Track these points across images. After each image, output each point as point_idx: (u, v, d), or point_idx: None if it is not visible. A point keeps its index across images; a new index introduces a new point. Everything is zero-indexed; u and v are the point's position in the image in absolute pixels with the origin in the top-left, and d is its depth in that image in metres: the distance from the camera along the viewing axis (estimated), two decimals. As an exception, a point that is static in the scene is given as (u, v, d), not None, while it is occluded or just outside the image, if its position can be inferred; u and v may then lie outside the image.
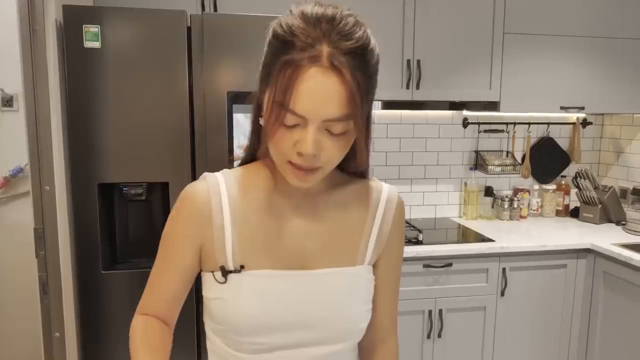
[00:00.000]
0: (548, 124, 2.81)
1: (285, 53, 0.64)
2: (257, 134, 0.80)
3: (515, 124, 2.75)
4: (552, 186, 2.83)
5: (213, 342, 0.81)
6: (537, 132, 2.84)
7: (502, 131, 2.76)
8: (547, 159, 2.83)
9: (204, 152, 1.77)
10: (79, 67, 1.64)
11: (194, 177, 1.77)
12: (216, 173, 0.81)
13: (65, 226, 1.73)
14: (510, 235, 2.38)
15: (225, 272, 0.75)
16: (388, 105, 2.49)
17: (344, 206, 0.82)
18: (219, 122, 1.76)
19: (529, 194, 2.80)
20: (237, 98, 1.76)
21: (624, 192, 2.71)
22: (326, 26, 0.64)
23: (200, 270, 0.81)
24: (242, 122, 1.78)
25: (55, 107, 1.65)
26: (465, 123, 2.71)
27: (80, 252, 1.73)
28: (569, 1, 2.41)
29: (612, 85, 2.52)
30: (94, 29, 1.62)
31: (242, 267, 0.75)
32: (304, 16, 0.65)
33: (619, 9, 2.46)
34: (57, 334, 1.77)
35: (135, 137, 1.70)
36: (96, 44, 1.63)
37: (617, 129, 2.84)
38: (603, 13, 2.45)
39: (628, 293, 2.12)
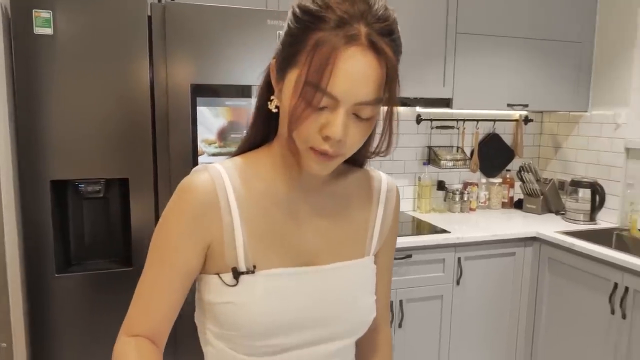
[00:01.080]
0: (494, 120, 2.96)
1: (317, 29, 0.61)
2: (264, 119, 0.75)
3: (464, 120, 2.88)
4: (498, 180, 2.98)
5: (215, 346, 0.75)
6: (484, 129, 2.98)
7: (452, 127, 2.87)
8: (493, 154, 2.98)
9: (165, 147, 1.70)
10: (28, 55, 1.52)
11: (156, 173, 1.70)
12: (214, 164, 0.74)
13: (13, 227, 1.61)
14: (461, 227, 2.48)
15: (237, 274, 0.70)
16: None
17: (347, 197, 0.80)
18: (181, 116, 1.70)
19: (478, 187, 2.93)
20: (201, 91, 1.71)
21: (562, 184, 2.90)
22: (363, 6, 0.61)
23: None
24: (206, 115, 1.73)
25: (1, 98, 1.53)
26: (419, 119, 2.80)
27: (30, 254, 1.60)
28: (516, 5, 2.54)
29: (552, 85, 2.69)
30: (45, 14, 1.51)
31: (254, 267, 0.70)
32: None
33: (559, 13, 2.63)
34: (4, 345, 1.64)
35: (92, 131, 1.61)
36: (48, 31, 1.52)
37: (555, 126, 3.04)
38: (546, 17, 2.61)
39: (571, 276, 2.28)
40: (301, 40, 0.62)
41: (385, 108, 0.67)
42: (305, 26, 0.62)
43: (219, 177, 0.71)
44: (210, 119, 1.74)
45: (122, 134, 1.64)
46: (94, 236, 1.73)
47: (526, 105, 2.65)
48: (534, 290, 2.47)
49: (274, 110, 0.72)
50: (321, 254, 0.75)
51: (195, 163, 1.73)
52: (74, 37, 1.55)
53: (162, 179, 1.71)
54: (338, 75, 0.60)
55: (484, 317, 2.44)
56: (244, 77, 1.74)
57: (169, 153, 1.70)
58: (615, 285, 2.04)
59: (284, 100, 0.67)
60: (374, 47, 0.61)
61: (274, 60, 0.70)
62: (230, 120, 1.76)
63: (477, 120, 2.91)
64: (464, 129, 2.90)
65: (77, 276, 1.67)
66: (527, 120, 3.03)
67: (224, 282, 0.70)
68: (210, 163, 0.75)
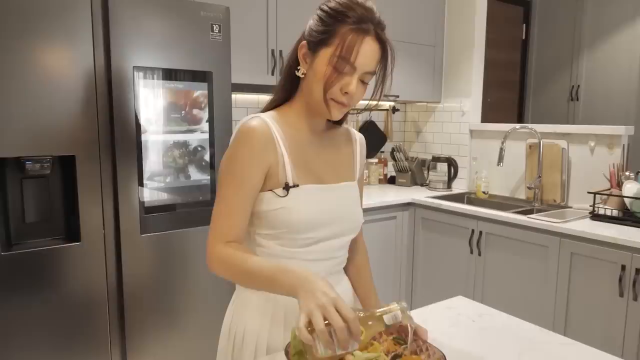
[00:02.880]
0: (370, 110, 3.49)
1: (344, 22, 0.95)
2: (290, 83, 1.06)
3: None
4: (375, 160, 3.53)
5: (265, 245, 1.04)
6: (362, 117, 3.50)
7: (338, 115, 3.32)
8: (370, 138, 3.51)
9: (109, 126, 1.79)
10: (-34, 30, 1.50)
11: (100, 150, 1.78)
12: (258, 114, 1.03)
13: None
14: (354, 198, 2.94)
15: (287, 187, 1.00)
16: (249, 89, 2.77)
17: (338, 141, 1.15)
18: (124, 96, 1.80)
19: (360, 167, 3.43)
20: (142, 73, 1.83)
21: (423, 162, 3.56)
22: (371, 12, 0.97)
23: None
24: (147, 96, 1.85)
25: None
26: (311, 108, 3.18)
27: (-30, 235, 1.57)
28: (388, 14, 3.07)
29: (415, 80, 3.31)
30: (-14, -9, 1.51)
31: (297, 183, 1.01)
32: (361, 4, 0.96)
33: (420, 21, 3.26)
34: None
35: (34, 108, 1.63)
36: (-11, 8, 1.52)
37: (416, 114, 3.70)
38: (410, 24, 3.20)
39: (439, 229, 2.89)
40: (332, 29, 0.96)
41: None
42: (335, 19, 0.96)
43: (268, 122, 1.01)
44: (151, 100, 1.87)
45: (65, 113, 1.69)
46: (34, 214, 1.74)
47: (397, 96, 3.22)
48: (411, 243, 3.05)
49: (301, 76, 1.02)
50: (330, 176, 1.09)
51: (139, 142, 1.85)
52: (15, 14, 1.57)
53: (105, 156, 1.79)
54: (360, 53, 0.96)
55: (377, 269, 2.91)
56: (182, 61, 1.92)
57: (112, 131, 1.80)
58: (472, 231, 2.68)
59: (315, 68, 0.99)
60: (378, 38, 0.98)
61: (305, 41, 1.01)
62: (170, 101, 1.92)
63: (357, 109, 3.41)
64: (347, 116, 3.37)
65: (26, 253, 1.67)
66: (394, 109, 3.63)
67: (277, 195, 1.01)
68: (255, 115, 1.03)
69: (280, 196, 1.00)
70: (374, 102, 1.07)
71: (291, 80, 1.06)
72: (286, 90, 1.08)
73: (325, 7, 0.98)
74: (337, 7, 0.97)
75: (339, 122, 1.17)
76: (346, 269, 1.24)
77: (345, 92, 0.97)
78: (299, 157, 1.04)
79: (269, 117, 1.03)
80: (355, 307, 0.92)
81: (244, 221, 1.00)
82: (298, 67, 1.03)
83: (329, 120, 1.11)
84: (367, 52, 0.95)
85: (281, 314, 1.05)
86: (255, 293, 1.06)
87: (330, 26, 0.96)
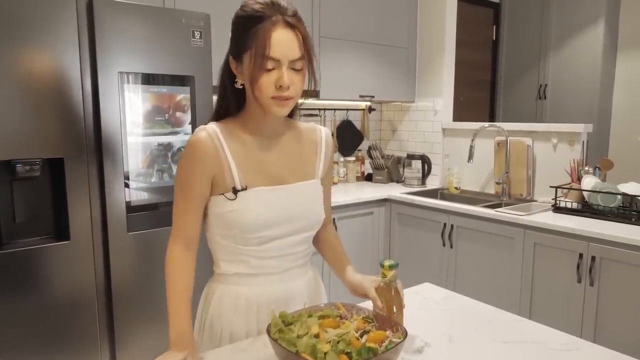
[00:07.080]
0: (347, 110, 3.62)
1: (252, 24, 1.00)
2: (232, 96, 1.12)
3: (325, 109, 3.47)
4: (352, 158, 3.65)
5: (223, 243, 1.13)
6: (339, 117, 3.62)
7: (316, 115, 3.43)
8: (347, 137, 3.64)
9: (96, 129, 1.87)
10: (-43, 39, 1.56)
11: (87, 153, 1.86)
12: (208, 124, 1.10)
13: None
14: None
15: (236, 191, 1.08)
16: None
17: (300, 140, 1.20)
18: (110, 100, 1.88)
19: (338, 165, 3.56)
20: (127, 77, 1.92)
21: (398, 159, 3.70)
22: (278, 7, 1.01)
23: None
24: (132, 100, 1.94)
25: None
26: (290, 108, 3.29)
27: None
28: (362, 17, 3.21)
29: (389, 81, 3.45)
30: (-25, 1, 1.58)
31: (246, 186, 1.08)
32: (260, 2, 1.02)
33: (393, 24, 3.39)
34: None
35: (23, 113, 1.70)
36: (-22, 17, 1.59)
37: (391, 113, 3.84)
38: (384, 27, 3.34)
39: (413, 224, 3.03)
40: (245, 34, 1.02)
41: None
42: (244, 25, 1.02)
43: (214, 131, 1.08)
44: (136, 103, 1.96)
45: (53, 117, 1.76)
46: (25, 215, 1.80)
47: (373, 96, 3.35)
48: (387, 237, 3.19)
49: (240, 87, 1.09)
50: (287, 177, 1.15)
51: (125, 143, 1.93)
52: (5, 21, 1.64)
53: (92, 158, 1.87)
54: (274, 44, 0.99)
55: (355, 261, 3.05)
56: (165, 66, 2.00)
57: (99, 134, 1.88)
58: (445, 225, 2.82)
59: (245, 74, 1.04)
60: (289, 25, 1.01)
61: (231, 56, 1.09)
62: (154, 105, 2.00)
63: (335, 110, 3.54)
64: (325, 116, 3.50)
65: (17, 252, 1.73)
66: (370, 109, 3.76)
67: (227, 198, 1.08)
68: (206, 124, 1.11)
69: (230, 199, 1.08)
70: (312, 88, 1.10)
71: (236, 94, 1.11)
72: (230, 101, 1.13)
73: (233, 19, 1.06)
74: (241, 13, 1.04)
75: (291, 116, 1.20)
76: (323, 250, 1.33)
77: (280, 86, 1.00)
78: (252, 160, 1.10)
79: (217, 125, 1.10)
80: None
81: (193, 224, 1.10)
82: (236, 80, 1.09)
83: (287, 118, 1.16)
84: (281, 40, 0.99)
85: (242, 303, 1.15)
86: (219, 287, 1.18)
87: (242, 32, 1.03)
